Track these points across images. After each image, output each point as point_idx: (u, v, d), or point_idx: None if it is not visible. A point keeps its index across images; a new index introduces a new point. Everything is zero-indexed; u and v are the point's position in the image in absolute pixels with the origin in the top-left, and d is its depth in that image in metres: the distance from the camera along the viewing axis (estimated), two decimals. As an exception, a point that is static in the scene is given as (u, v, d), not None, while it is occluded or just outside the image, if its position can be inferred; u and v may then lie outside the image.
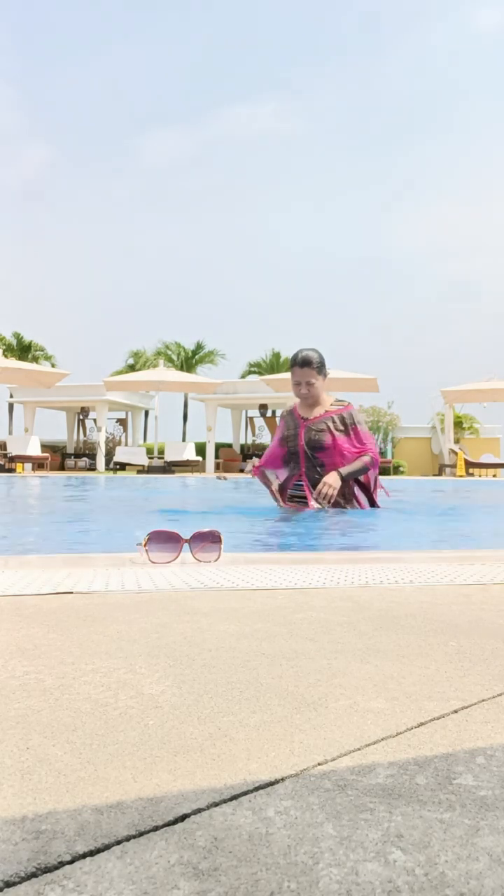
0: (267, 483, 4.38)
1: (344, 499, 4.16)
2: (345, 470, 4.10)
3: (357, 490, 4.26)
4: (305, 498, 4.11)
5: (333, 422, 4.22)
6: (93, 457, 21.20)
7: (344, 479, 4.07)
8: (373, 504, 4.35)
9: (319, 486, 4.00)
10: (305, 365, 4.19)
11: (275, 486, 4.34)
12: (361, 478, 4.28)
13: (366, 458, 4.18)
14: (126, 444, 23.76)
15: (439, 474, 19.36)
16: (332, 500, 3.95)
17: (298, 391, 4.23)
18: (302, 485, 4.18)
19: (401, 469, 20.57)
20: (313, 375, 4.20)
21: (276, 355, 27.74)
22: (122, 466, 17.82)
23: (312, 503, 4.05)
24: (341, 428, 4.20)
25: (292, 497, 4.24)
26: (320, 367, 4.24)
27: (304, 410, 4.33)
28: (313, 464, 4.17)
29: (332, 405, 4.32)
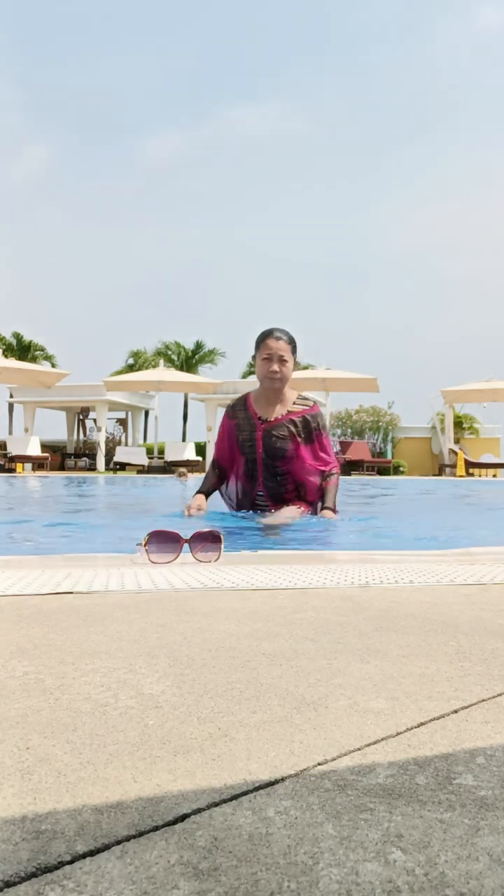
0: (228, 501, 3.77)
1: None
2: (333, 504, 3.55)
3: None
4: (269, 508, 3.57)
5: (296, 426, 3.55)
6: (93, 457, 21.20)
7: (335, 510, 3.55)
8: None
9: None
10: (282, 336, 3.50)
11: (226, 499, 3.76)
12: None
13: (334, 478, 3.62)
14: (126, 444, 23.76)
15: (439, 474, 19.36)
16: None
17: (268, 368, 3.45)
18: (263, 495, 3.58)
19: (401, 469, 20.57)
20: (288, 352, 3.48)
21: (277, 355, 27.72)
22: (122, 466, 17.82)
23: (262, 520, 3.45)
24: (303, 434, 3.55)
25: (256, 507, 3.65)
26: (294, 347, 3.55)
27: (261, 407, 3.59)
28: (272, 472, 3.54)
29: (294, 403, 3.60)
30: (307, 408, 3.59)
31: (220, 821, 0.49)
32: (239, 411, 3.67)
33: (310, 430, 3.56)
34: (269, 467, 3.54)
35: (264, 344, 3.49)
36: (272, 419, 3.56)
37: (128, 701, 0.73)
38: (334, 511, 3.50)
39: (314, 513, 3.58)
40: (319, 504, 3.57)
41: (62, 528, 3.91)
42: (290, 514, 3.40)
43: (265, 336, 3.50)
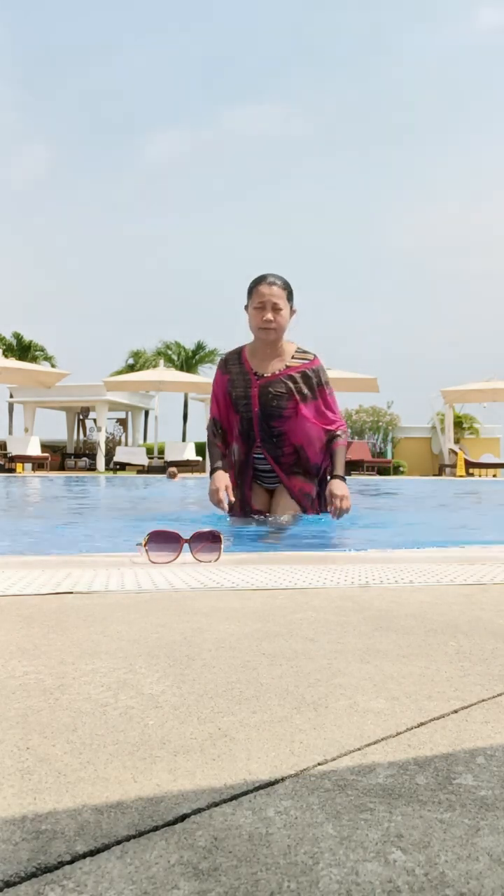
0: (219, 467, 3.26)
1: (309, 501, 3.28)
2: (341, 470, 3.21)
3: (311, 486, 3.30)
4: (275, 474, 3.24)
5: (295, 382, 3.18)
6: (93, 457, 21.20)
7: (345, 478, 3.21)
8: (321, 504, 3.39)
9: (337, 502, 3.05)
10: (276, 281, 3.11)
11: (220, 473, 3.22)
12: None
13: (341, 439, 3.25)
14: (126, 444, 23.77)
15: (439, 474, 19.36)
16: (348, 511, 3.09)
17: (261, 318, 3.07)
18: (264, 458, 3.23)
19: (401, 469, 20.57)
20: (283, 299, 3.10)
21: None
22: (122, 466, 17.82)
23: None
24: (305, 390, 3.19)
25: (259, 475, 3.29)
26: (290, 295, 3.17)
27: (256, 361, 3.22)
28: (269, 433, 3.19)
29: (293, 357, 3.24)
30: (307, 362, 3.24)
31: (220, 821, 0.49)
32: (232, 365, 3.31)
33: (311, 385, 3.22)
34: (265, 427, 3.20)
35: (256, 291, 3.10)
36: (268, 374, 3.20)
37: (128, 701, 0.73)
38: (343, 479, 3.19)
39: (314, 504, 3.29)
40: (328, 474, 3.27)
41: (62, 528, 3.91)
42: (342, 490, 3.11)
43: (257, 282, 3.12)
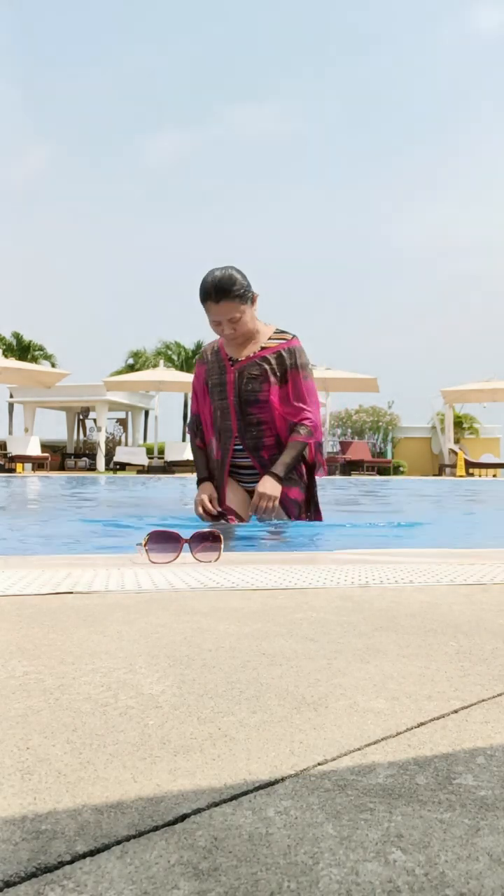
0: (202, 466, 3.12)
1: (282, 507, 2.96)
2: (281, 467, 2.87)
3: (297, 491, 3.02)
4: (256, 471, 2.99)
5: (269, 363, 2.94)
6: (93, 457, 21.20)
7: (283, 478, 2.88)
8: (311, 509, 3.11)
9: (255, 499, 2.81)
10: (222, 296, 2.82)
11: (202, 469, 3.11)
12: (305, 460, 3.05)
13: (301, 434, 2.93)
14: (126, 444, 23.77)
15: (439, 474, 19.36)
16: (273, 513, 2.84)
17: (220, 332, 2.95)
18: (243, 449, 2.99)
19: (401, 469, 20.57)
20: (236, 308, 2.84)
21: (276, 355, 27.77)
22: (122, 466, 17.82)
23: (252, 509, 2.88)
24: (277, 373, 2.96)
25: (238, 473, 3.05)
26: (244, 293, 2.87)
27: (232, 348, 3.04)
28: (248, 422, 2.96)
29: (271, 339, 3.00)
30: (283, 342, 2.99)
31: (220, 821, 0.49)
32: (210, 354, 3.14)
33: (285, 368, 2.95)
34: (243, 415, 2.97)
35: (206, 308, 2.89)
36: (244, 357, 2.99)
37: (128, 701, 0.73)
38: (277, 477, 2.85)
39: (302, 510, 3.04)
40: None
41: (62, 527, 3.91)
42: (268, 488, 2.84)
43: (204, 296, 2.86)
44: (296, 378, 2.96)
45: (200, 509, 2.94)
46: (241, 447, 2.99)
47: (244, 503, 3.04)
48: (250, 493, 3.00)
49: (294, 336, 3.02)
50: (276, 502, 2.81)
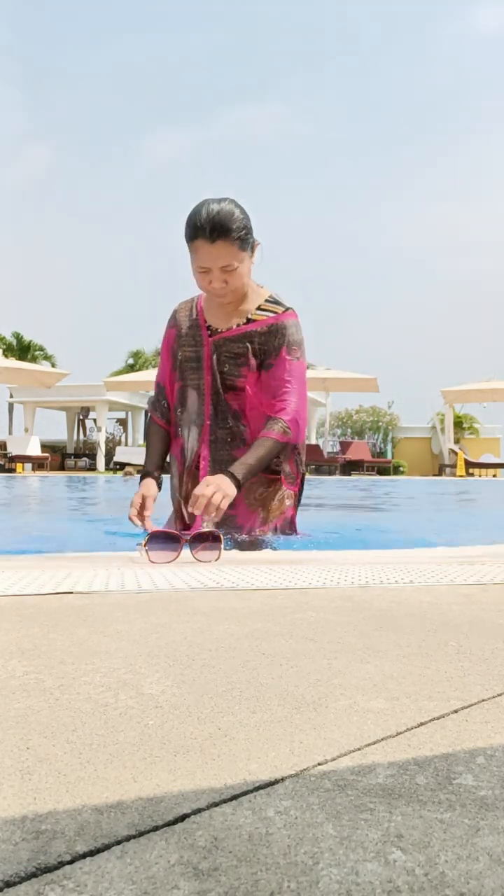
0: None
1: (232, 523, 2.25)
2: (242, 468, 2.12)
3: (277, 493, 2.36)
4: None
5: (252, 342, 2.28)
6: (93, 457, 21.21)
7: (241, 482, 2.10)
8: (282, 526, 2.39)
9: (198, 489, 2.02)
10: (220, 234, 2.11)
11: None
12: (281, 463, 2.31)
13: (274, 430, 2.22)
14: (126, 444, 23.77)
15: (439, 474, 19.36)
16: (219, 516, 2.02)
17: (206, 283, 2.21)
18: (215, 441, 2.33)
19: (401, 469, 20.58)
20: (234, 254, 2.16)
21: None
22: (122, 466, 17.83)
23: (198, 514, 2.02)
24: (261, 356, 2.28)
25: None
26: (246, 237, 2.18)
27: (212, 312, 2.36)
28: (223, 413, 2.31)
29: (261, 308, 2.32)
30: (273, 315, 2.31)
31: (220, 821, 0.49)
32: (183, 317, 2.43)
33: (270, 348, 2.28)
34: (219, 402, 2.31)
35: (194, 248, 2.17)
36: (227, 329, 2.32)
37: (128, 701, 0.73)
38: (233, 478, 2.09)
39: (292, 525, 2.43)
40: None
41: (62, 527, 3.91)
42: (220, 485, 2.04)
43: (193, 232, 2.15)
44: (281, 358, 2.28)
45: (131, 515, 2.21)
46: (214, 439, 2.33)
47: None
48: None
49: (289, 308, 2.34)
50: (220, 509, 2.00)
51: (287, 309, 2.34)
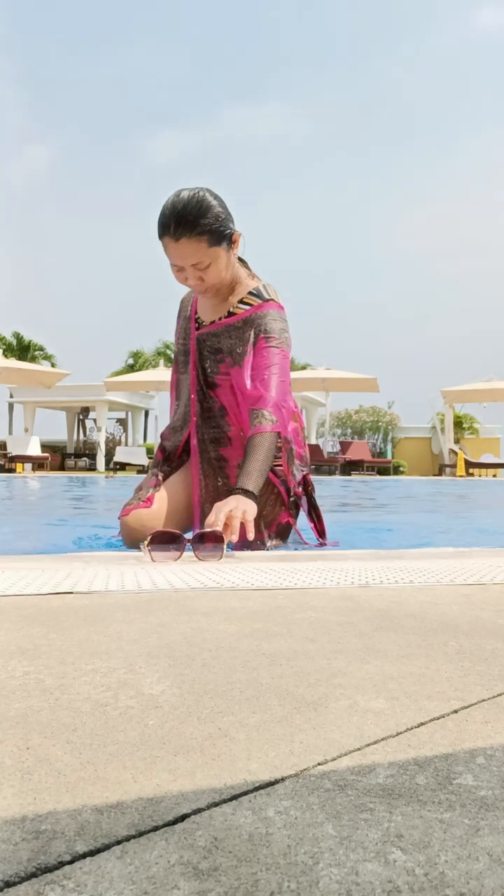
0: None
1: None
2: (250, 479, 1.96)
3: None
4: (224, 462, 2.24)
5: (230, 336, 2.19)
6: (93, 457, 21.21)
7: (255, 492, 1.96)
8: (319, 528, 2.35)
9: (217, 513, 1.85)
10: (185, 230, 1.99)
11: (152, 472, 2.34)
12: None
13: (264, 423, 2.05)
14: (126, 444, 23.77)
15: (439, 474, 19.35)
16: (250, 533, 1.85)
17: (183, 282, 2.14)
18: (203, 440, 2.26)
19: (401, 469, 20.57)
20: (203, 250, 2.03)
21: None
22: (122, 466, 17.82)
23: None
24: (241, 347, 2.18)
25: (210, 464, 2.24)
26: (218, 229, 2.03)
27: (203, 307, 2.30)
28: (210, 412, 2.24)
29: (242, 301, 2.21)
30: (251, 307, 2.20)
31: (220, 821, 0.49)
32: (183, 307, 2.38)
33: (247, 339, 2.16)
34: (204, 397, 2.24)
35: (163, 246, 2.06)
36: (211, 321, 2.25)
37: (128, 701, 0.73)
38: (250, 495, 1.93)
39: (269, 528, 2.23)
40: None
41: (62, 527, 3.91)
42: (239, 505, 1.89)
43: (160, 232, 2.04)
44: (260, 348, 2.14)
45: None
46: (201, 438, 2.25)
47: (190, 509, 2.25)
48: (221, 492, 2.24)
49: (270, 300, 2.21)
50: (248, 522, 1.86)
51: (267, 300, 2.21)
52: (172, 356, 2.05)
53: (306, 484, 2.33)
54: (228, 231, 2.08)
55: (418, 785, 0.55)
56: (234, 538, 1.83)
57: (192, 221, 1.98)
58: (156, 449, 2.41)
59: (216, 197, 2.07)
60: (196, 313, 2.30)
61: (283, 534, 2.28)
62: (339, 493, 8.84)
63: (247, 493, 1.94)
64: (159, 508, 2.18)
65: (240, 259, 2.24)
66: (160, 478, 2.29)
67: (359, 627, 1.07)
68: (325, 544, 2.34)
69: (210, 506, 2.17)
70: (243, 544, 2.07)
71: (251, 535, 1.86)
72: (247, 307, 2.21)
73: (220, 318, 2.23)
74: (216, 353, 2.21)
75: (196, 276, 2.09)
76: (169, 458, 2.33)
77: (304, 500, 2.33)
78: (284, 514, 2.28)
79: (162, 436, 2.40)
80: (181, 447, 2.32)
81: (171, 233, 2.00)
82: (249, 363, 2.16)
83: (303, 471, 2.32)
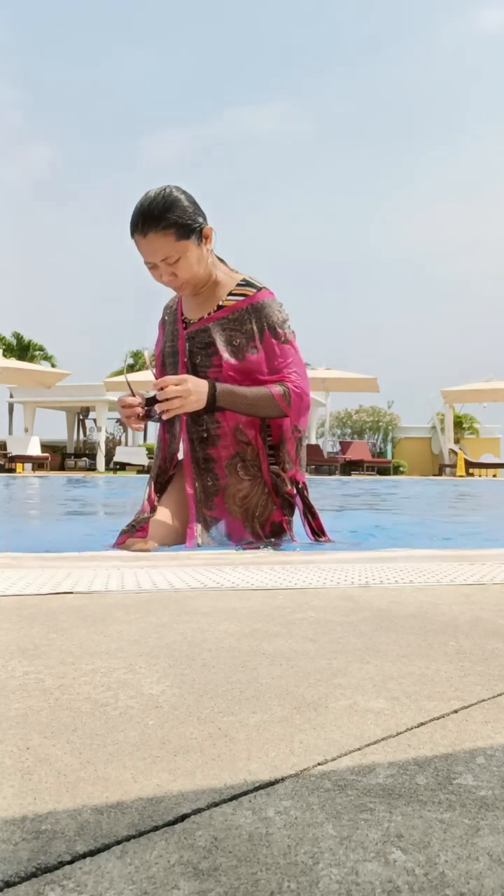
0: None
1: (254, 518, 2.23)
2: (228, 389, 2.09)
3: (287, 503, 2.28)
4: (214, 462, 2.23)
5: (222, 329, 2.19)
6: (93, 457, 21.21)
7: (217, 400, 2.08)
8: (315, 528, 2.35)
9: (172, 380, 2.03)
10: (151, 226, 2.04)
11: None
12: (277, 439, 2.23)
13: (276, 389, 2.13)
14: (126, 444, 23.77)
15: (439, 474, 19.36)
16: (173, 411, 2.04)
17: (158, 279, 2.17)
18: (194, 440, 2.26)
19: (401, 469, 20.57)
20: (171, 245, 2.06)
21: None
22: (122, 466, 17.83)
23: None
24: (238, 340, 2.17)
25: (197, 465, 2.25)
26: (185, 223, 2.06)
27: (189, 306, 2.30)
28: (197, 413, 2.16)
29: (232, 294, 2.21)
30: (244, 297, 2.20)
31: (220, 821, 0.49)
32: (167, 311, 2.40)
33: (248, 331, 2.17)
34: None
35: (136, 245, 2.11)
36: (198, 319, 2.25)
37: (128, 701, 0.73)
38: (213, 394, 2.07)
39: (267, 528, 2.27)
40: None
41: (62, 527, 3.91)
42: (191, 386, 2.04)
43: (131, 231, 2.09)
44: (269, 344, 2.17)
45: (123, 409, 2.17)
46: (190, 437, 2.26)
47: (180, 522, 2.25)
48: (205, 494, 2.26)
49: (262, 288, 2.22)
50: (188, 404, 2.02)
51: (260, 288, 2.23)
52: (157, 363, 2.17)
53: (298, 483, 2.35)
54: (197, 225, 2.10)
55: (418, 785, 0.55)
56: (171, 411, 2.03)
57: (157, 216, 2.04)
58: (156, 450, 2.44)
59: (184, 192, 2.12)
60: (183, 315, 2.32)
61: (277, 533, 2.32)
62: (339, 493, 8.84)
63: (214, 387, 2.09)
64: (152, 537, 2.19)
65: (219, 258, 2.27)
66: (155, 500, 2.30)
67: (359, 627, 1.07)
68: (321, 541, 2.37)
69: (202, 505, 2.25)
70: (243, 544, 2.16)
71: (170, 412, 2.05)
72: (240, 298, 2.21)
73: (208, 314, 2.23)
74: (207, 348, 2.21)
75: (168, 272, 2.12)
76: (165, 470, 2.37)
77: (298, 500, 2.35)
78: (277, 512, 2.30)
79: (158, 437, 2.43)
80: (175, 458, 2.36)
81: (139, 229, 2.06)
82: (263, 356, 2.18)
83: (289, 469, 2.34)
